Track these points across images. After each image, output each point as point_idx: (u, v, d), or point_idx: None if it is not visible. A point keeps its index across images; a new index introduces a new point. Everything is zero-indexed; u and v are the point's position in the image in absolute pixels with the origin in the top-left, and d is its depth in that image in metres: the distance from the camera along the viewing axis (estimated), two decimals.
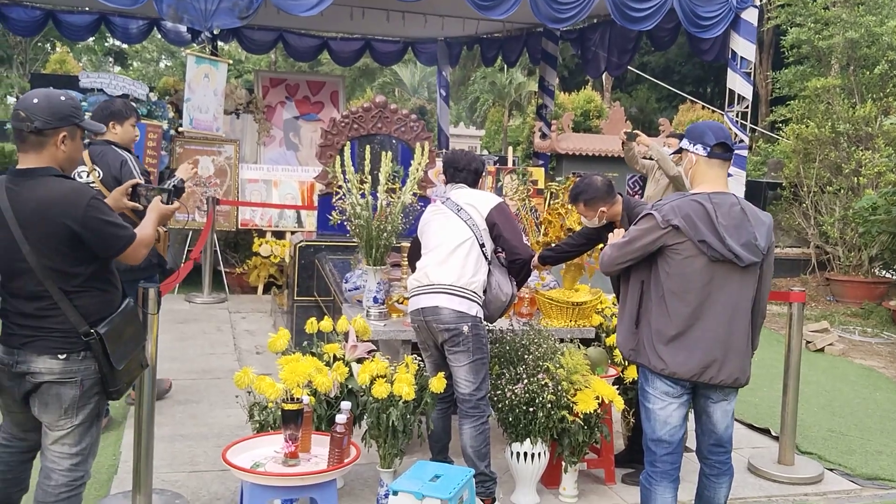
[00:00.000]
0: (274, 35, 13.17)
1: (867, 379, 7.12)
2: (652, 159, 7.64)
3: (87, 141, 4.75)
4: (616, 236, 3.61)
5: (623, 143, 7.67)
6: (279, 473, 2.95)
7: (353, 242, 7.78)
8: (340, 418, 3.05)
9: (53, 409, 3.02)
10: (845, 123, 9.78)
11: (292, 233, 9.04)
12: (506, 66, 19.11)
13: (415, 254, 4.33)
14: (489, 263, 3.91)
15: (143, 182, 3.71)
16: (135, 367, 3.26)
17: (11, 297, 3.02)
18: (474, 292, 3.79)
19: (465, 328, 3.72)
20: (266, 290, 9.22)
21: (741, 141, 10.20)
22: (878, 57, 9.99)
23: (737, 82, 10.10)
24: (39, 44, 23.51)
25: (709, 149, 3.27)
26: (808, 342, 8.01)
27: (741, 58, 9.99)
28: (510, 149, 10.57)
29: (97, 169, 4.80)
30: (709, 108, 20.66)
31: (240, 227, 9.24)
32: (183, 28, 12.03)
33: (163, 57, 34.50)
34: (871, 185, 9.67)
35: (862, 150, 9.73)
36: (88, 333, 2.99)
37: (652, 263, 3.27)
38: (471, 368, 3.75)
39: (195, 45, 11.12)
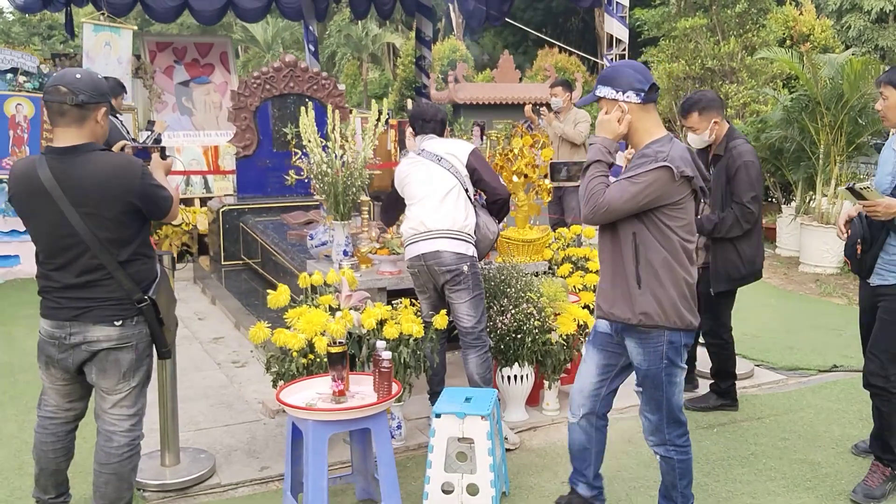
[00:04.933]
0: None
1: (761, 290, 7.98)
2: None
3: None
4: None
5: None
6: (343, 408, 3.23)
7: (273, 203, 7.94)
8: (387, 355, 3.34)
9: (112, 374, 3.17)
10: (712, 60, 10.63)
11: (201, 199, 9.01)
12: (374, 19, 19.18)
13: (392, 206, 4.60)
14: (475, 206, 4.25)
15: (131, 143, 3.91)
16: (174, 326, 3.44)
17: (55, 272, 3.11)
18: (468, 234, 4.13)
19: (465, 268, 4.06)
20: (180, 258, 9.16)
21: None
22: None
23: (614, 26, 10.69)
24: None
25: (643, 94, 3.02)
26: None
27: (616, 2, 10.59)
28: (377, 100, 10.76)
29: None
30: (566, 52, 21.50)
31: None
32: None
33: None
34: (737, 115, 10.58)
35: (728, 84, 10.62)
36: (142, 299, 3.14)
37: (643, 216, 3.01)
38: (471, 304, 4.10)
39: (44, 11, 10.56)
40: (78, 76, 3.05)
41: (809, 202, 8.99)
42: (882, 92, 3.72)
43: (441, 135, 4.46)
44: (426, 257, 4.09)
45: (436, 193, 4.15)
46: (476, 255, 4.17)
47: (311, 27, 15.10)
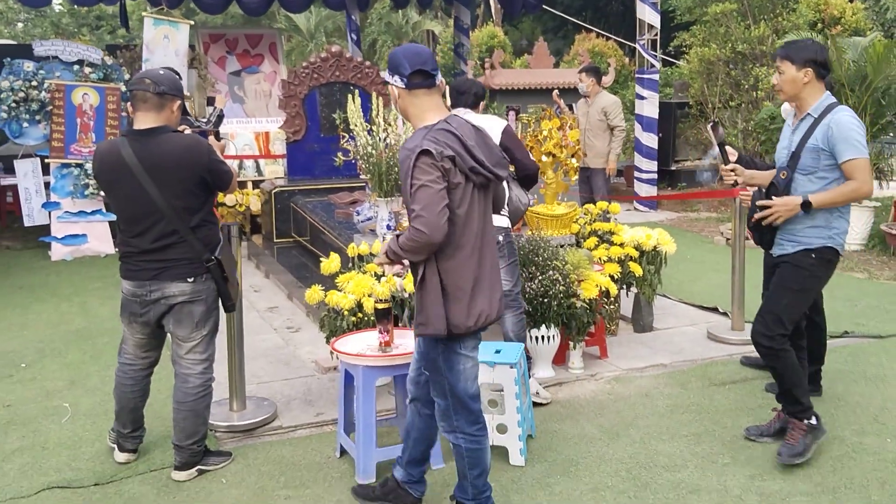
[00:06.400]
0: None
1: None
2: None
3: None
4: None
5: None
6: (389, 355, 3.73)
7: (321, 185, 8.46)
8: None
9: (187, 324, 3.70)
10: (743, 44, 10.90)
11: (254, 182, 9.57)
12: (414, 7, 19.58)
13: None
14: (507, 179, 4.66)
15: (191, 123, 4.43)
16: (236, 283, 3.96)
17: (134, 239, 3.64)
18: (504, 206, 4.56)
19: (500, 238, 4.48)
20: None
21: (653, 66, 11.23)
22: None
23: (646, 13, 11.06)
24: None
25: (405, 79, 2.97)
26: (727, 239, 9.16)
27: None
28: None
29: None
30: (604, 36, 21.72)
31: None
32: None
33: (31, 16, 33.28)
34: (768, 97, 10.86)
35: (758, 67, 10.90)
36: (210, 259, 3.66)
37: None
38: (508, 269, 4.54)
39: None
40: (161, 72, 3.61)
41: None
42: (778, 66, 3.86)
43: (474, 108, 4.83)
44: None
45: None
46: (509, 225, 4.60)
47: (353, 16, 15.61)
